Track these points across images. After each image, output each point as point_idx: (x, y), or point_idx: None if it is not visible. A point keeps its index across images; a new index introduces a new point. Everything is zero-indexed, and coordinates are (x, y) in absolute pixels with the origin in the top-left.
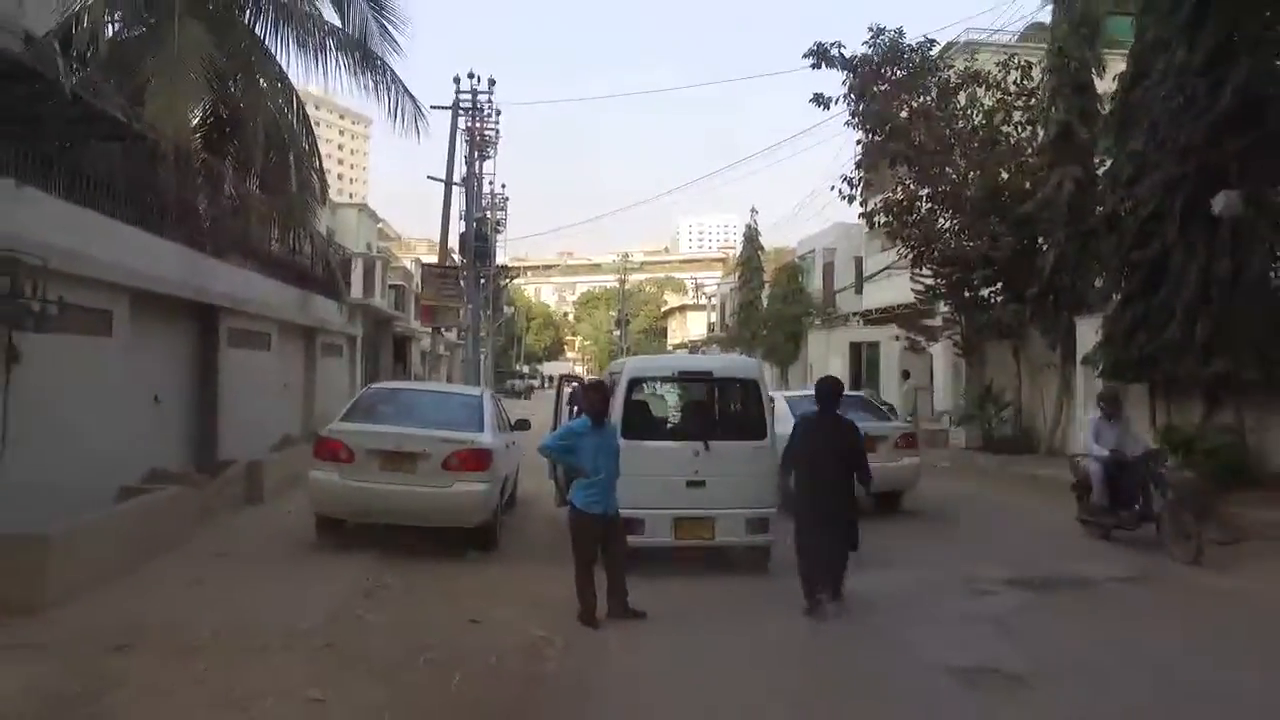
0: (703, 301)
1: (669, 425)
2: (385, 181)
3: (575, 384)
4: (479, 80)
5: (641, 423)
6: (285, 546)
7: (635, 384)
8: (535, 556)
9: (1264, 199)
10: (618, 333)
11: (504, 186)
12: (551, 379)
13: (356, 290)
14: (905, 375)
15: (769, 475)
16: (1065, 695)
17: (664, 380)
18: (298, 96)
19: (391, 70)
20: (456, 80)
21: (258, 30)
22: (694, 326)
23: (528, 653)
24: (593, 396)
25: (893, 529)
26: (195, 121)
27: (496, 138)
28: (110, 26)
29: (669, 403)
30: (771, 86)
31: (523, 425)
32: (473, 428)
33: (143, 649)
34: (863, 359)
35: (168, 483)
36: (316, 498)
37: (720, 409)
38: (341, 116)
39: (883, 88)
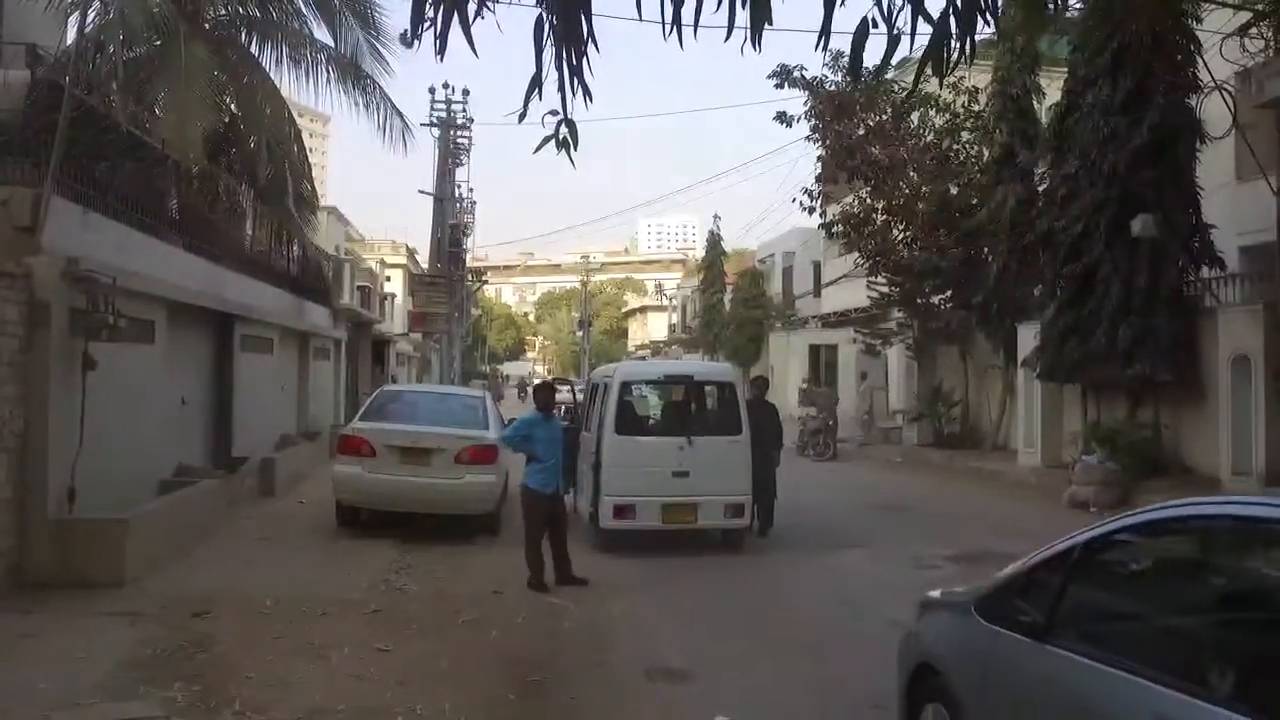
0: (664, 303)
1: (655, 423)
2: (345, 179)
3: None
4: (453, 90)
5: (632, 421)
6: (312, 533)
7: (626, 386)
8: None
9: (1175, 221)
10: (580, 334)
11: (471, 190)
12: (508, 378)
13: (343, 295)
14: (863, 376)
15: (744, 466)
16: None
17: (651, 383)
18: (290, 111)
19: (381, 88)
20: (432, 91)
21: (253, 49)
22: (655, 328)
23: (547, 615)
24: (544, 393)
25: (853, 517)
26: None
27: (469, 146)
28: (126, 50)
29: (651, 403)
30: (737, 95)
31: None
32: (479, 426)
33: (221, 614)
34: (821, 361)
35: (194, 477)
36: (341, 488)
37: (701, 408)
38: (300, 115)
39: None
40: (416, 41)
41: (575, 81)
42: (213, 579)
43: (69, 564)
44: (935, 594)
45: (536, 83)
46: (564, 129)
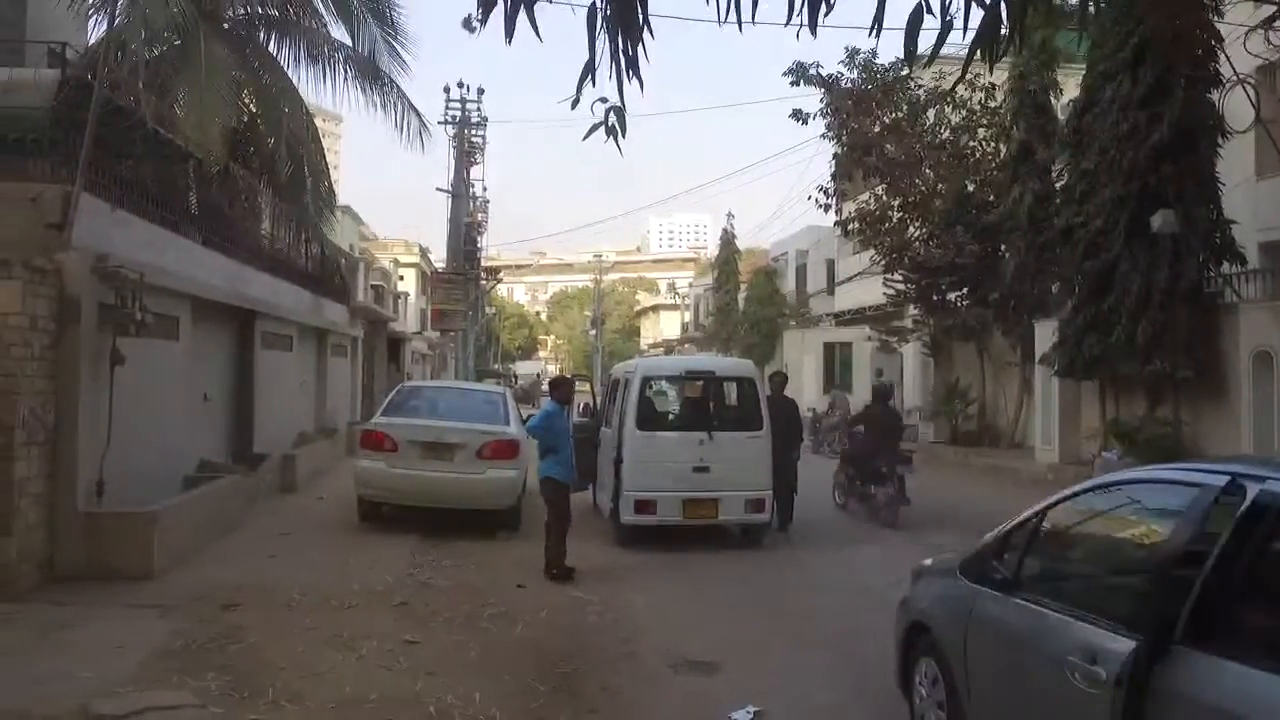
0: (676, 301)
1: (676, 418)
2: (359, 179)
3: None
4: (468, 89)
5: (653, 416)
6: (334, 528)
7: (647, 382)
8: None
9: (1195, 217)
10: (593, 332)
11: (485, 189)
12: (518, 377)
13: (358, 294)
14: (878, 373)
15: (765, 461)
16: None
17: (672, 379)
18: (308, 110)
19: (398, 87)
20: (446, 90)
21: (272, 48)
22: (667, 326)
23: (572, 608)
24: (564, 388)
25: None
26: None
27: (484, 144)
28: (147, 49)
29: (672, 398)
30: (750, 94)
31: None
32: (500, 421)
33: (249, 607)
34: (836, 358)
35: (216, 473)
36: (363, 483)
37: (721, 404)
38: (316, 116)
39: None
40: (479, 25)
41: (630, 70)
42: (239, 572)
43: (98, 557)
44: (927, 561)
45: (590, 69)
46: (613, 116)
